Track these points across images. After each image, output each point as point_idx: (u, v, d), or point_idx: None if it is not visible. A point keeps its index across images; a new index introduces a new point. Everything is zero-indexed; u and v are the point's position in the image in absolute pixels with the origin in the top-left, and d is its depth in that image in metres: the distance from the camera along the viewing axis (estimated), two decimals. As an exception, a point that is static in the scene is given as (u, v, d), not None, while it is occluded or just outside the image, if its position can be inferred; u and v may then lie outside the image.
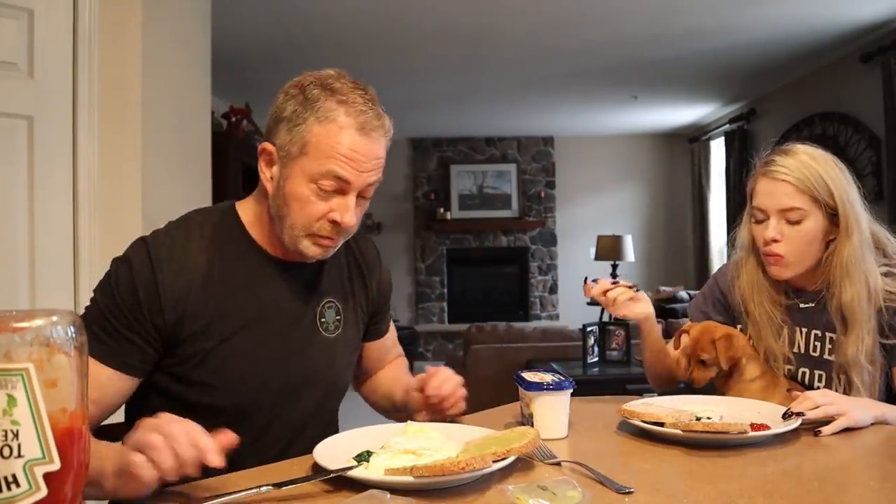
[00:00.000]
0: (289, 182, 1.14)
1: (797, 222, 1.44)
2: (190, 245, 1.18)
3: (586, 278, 1.45)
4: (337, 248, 1.23)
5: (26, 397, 0.66)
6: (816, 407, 1.26)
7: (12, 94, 1.93)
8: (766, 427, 1.19)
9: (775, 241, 1.46)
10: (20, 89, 1.95)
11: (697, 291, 1.92)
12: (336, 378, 1.33)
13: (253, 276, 1.21)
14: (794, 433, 1.22)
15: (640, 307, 1.49)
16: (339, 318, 1.31)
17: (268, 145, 1.16)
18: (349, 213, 1.14)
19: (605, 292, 1.47)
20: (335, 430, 1.33)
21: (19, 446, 0.66)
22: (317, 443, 1.08)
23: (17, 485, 0.66)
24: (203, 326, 1.16)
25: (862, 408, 1.30)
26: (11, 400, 0.65)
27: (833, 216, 1.44)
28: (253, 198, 1.25)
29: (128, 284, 1.13)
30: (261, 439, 1.22)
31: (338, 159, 1.11)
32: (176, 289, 1.14)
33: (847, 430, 1.26)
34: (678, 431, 1.18)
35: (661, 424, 1.21)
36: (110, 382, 1.12)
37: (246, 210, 1.25)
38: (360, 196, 1.17)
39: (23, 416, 0.66)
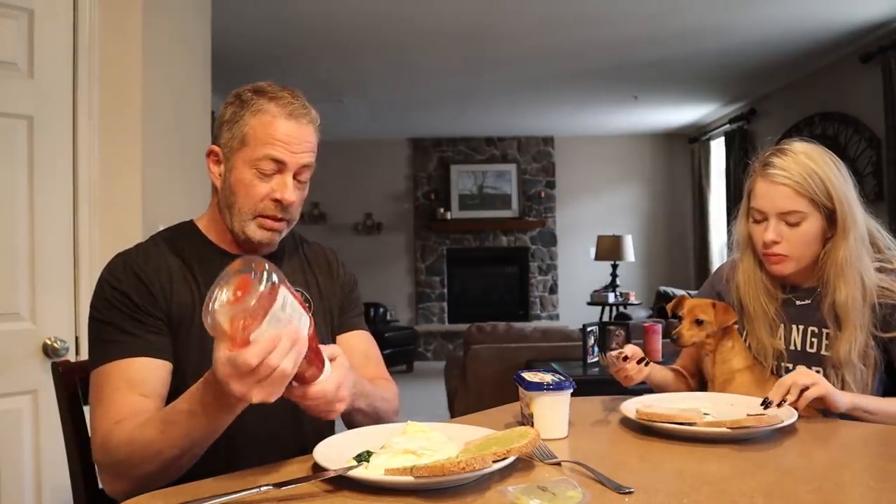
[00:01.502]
0: (233, 172, 1.28)
1: (796, 224, 1.45)
2: (157, 250, 1.31)
3: (606, 352, 1.51)
4: (282, 235, 1.33)
5: None
6: (788, 390, 1.29)
7: (12, 94, 1.93)
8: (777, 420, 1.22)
9: (775, 242, 1.46)
10: (20, 89, 1.95)
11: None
12: None
13: (214, 269, 1.27)
14: (796, 432, 1.23)
15: (645, 370, 1.50)
16: (307, 304, 1.36)
17: (213, 147, 1.32)
18: (288, 189, 1.27)
19: (616, 371, 1.50)
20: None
21: None
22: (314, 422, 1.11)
23: None
24: (187, 317, 1.24)
25: (835, 390, 1.34)
26: None
27: (831, 215, 1.45)
28: (208, 208, 1.38)
29: (126, 278, 1.24)
30: (262, 420, 1.24)
31: (273, 144, 1.24)
32: (160, 281, 1.25)
33: (846, 428, 1.26)
34: (725, 430, 1.18)
35: (682, 425, 1.21)
36: (155, 373, 1.19)
37: (202, 219, 1.38)
38: (297, 179, 1.29)
39: None
